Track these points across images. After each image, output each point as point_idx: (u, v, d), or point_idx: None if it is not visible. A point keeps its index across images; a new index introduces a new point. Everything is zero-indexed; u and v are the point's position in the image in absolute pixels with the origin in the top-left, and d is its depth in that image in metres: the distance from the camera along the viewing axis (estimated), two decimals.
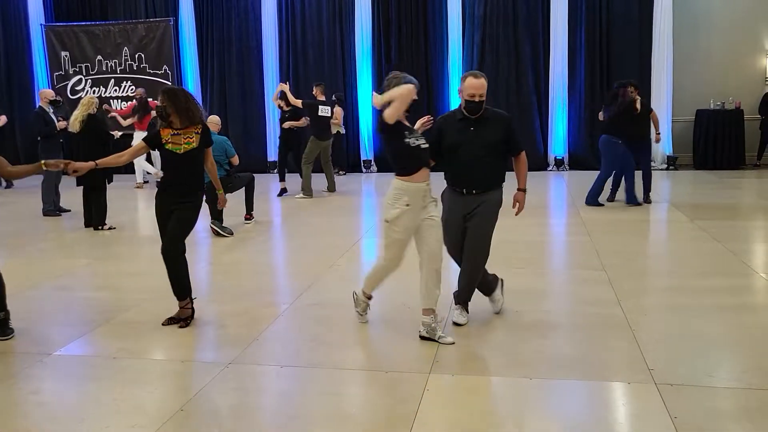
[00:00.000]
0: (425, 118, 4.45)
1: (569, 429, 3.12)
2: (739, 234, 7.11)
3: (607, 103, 8.62)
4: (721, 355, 3.97)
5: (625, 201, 8.70)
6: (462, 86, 4.30)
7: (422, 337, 4.19)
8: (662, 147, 12.24)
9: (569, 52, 12.54)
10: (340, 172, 13.21)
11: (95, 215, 8.16)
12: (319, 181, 10.58)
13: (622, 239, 6.98)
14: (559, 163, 12.78)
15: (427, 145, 4.17)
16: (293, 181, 10.71)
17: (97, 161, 4.65)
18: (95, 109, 8.24)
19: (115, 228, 8.15)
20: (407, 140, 4.09)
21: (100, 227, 8.10)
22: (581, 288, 5.28)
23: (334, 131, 11.71)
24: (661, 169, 12.28)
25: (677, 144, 12.47)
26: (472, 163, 4.28)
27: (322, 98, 10.44)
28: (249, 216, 8.32)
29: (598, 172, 9.02)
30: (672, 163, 12.37)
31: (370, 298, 4.58)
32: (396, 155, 4.16)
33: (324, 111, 10.31)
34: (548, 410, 3.33)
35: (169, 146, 4.54)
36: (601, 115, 8.58)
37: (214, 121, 8.20)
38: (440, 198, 4.48)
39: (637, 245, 6.87)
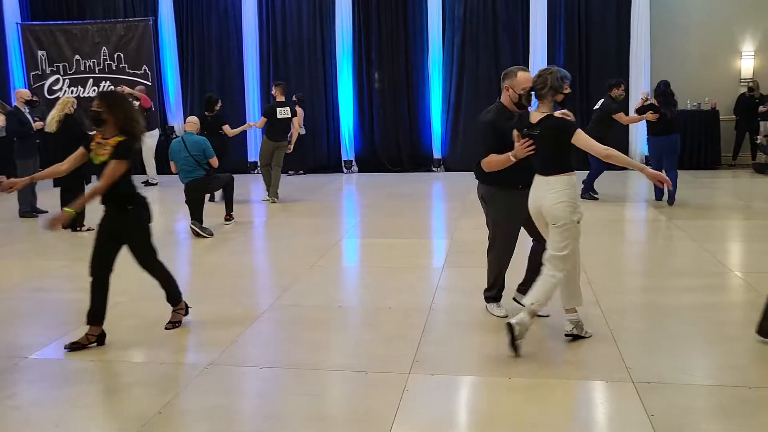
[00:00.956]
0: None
1: (548, 428, 3.15)
2: (716, 233, 7.20)
3: (669, 102, 8.70)
4: (697, 353, 4.02)
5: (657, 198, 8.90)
6: (514, 81, 4.30)
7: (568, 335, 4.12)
8: (639, 147, 12.40)
9: (548, 54, 12.63)
10: (300, 172, 13.16)
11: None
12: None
13: (600, 239, 7.04)
14: None
15: None
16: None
17: (33, 176, 4.51)
18: (72, 109, 8.16)
19: (92, 229, 8.05)
20: None
21: (78, 228, 8.01)
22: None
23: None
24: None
25: None
26: (527, 158, 4.11)
27: (282, 98, 9.97)
28: (229, 217, 8.28)
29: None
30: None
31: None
32: (569, 152, 3.98)
33: (283, 113, 9.83)
34: (527, 409, 3.35)
35: (91, 153, 4.19)
36: (651, 116, 8.73)
37: (192, 121, 8.16)
38: (483, 199, 4.56)
39: (615, 244, 6.93)
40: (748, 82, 12.19)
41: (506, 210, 4.44)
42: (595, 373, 3.68)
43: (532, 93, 4.04)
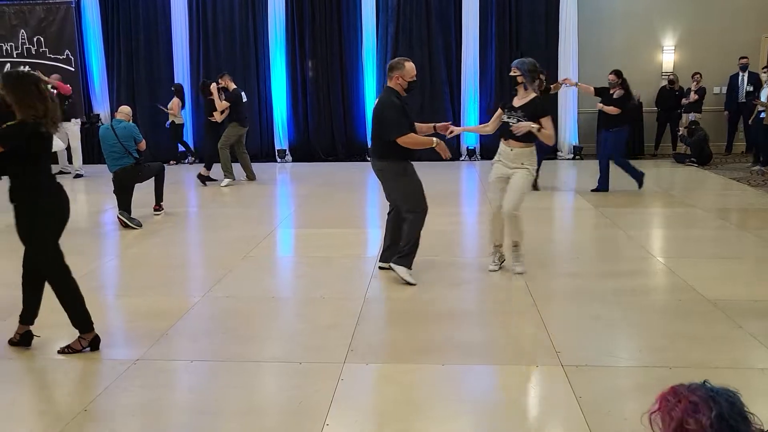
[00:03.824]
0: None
1: (481, 413, 3.20)
2: (639, 220, 7.48)
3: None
4: (621, 336, 4.17)
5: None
6: (403, 71, 4.94)
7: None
8: (568, 137, 12.75)
9: (480, 45, 12.80)
10: (171, 162, 12.97)
11: None
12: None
13: (530, 226, 7.17)
14: (471, 153, 13.05)
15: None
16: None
17: None
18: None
19: None
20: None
21: None
22: (491, 274, 5.41)
23: (170, 121, 12.33)
24: (568, 159, 12.80)
25: (582, 134, 12.97)
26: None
27: (234, 86, 10.34)
28: (158, 207, 8.06)
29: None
30: (577, 152, 12.88)
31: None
32: None
33: (245, 96, 10.45)
34: (461, 395, 3.40)
35: None
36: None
37: (124, 111, 7.90)
38: (383, 172, 5.16)
39: (544, 232, 7.10)
40: (669, 75, 12.68)
41: (413, 177, 5.09)
42: (526, 358, 3.77)
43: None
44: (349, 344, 3.96)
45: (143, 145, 7.72)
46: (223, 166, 10.23)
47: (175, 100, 12.48)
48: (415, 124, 5.18)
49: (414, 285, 5.00)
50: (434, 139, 4.94)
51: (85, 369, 3.73)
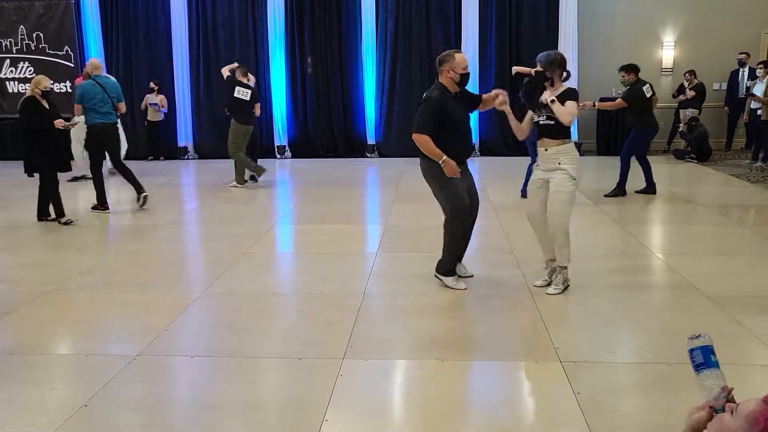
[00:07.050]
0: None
1: (481, 408, 3.22)
2: (638, 216, 7.49)
3: None
4: (620, 332, 4.18)
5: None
6: (453, 63, 4.74)
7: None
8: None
9: (480, 42, 12.78)
10: (161, 158, 13.08)
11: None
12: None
13: (528, 222, 7.19)
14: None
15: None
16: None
17: None
18: (39, 91, 7.11)
19: (72, 222, 7.36)
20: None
21: (57, 220, 7.40)
22: (491, 270, 5.41)
23: (159, 118, 12.53)
24: None
25: (582, 131, 12.96)
26: (468, 134, 4.95)
27: (243, 80, 9.62)
28: (141, 192, 8.01)
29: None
30: (577, 149, 12.85)
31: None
32: None
33: (241, 93, 9.44)
34: (460, 391, 3.42)
35: None
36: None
37: (96, 64, 8.14)
38: (427, 173, 4.84)
39: None
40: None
41: (450, 180, 4.71)
42: (524, 354, 3.78)
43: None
44: (348, 340, 3.97)
45: (123, 106, 8.02)
46: (247, 166, 9.70)
47: (162, 97, 12.79)
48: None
49: (464, 289, 4.83)
50: (444, 157, 4.55)
51: (86, 364, 3.74)
